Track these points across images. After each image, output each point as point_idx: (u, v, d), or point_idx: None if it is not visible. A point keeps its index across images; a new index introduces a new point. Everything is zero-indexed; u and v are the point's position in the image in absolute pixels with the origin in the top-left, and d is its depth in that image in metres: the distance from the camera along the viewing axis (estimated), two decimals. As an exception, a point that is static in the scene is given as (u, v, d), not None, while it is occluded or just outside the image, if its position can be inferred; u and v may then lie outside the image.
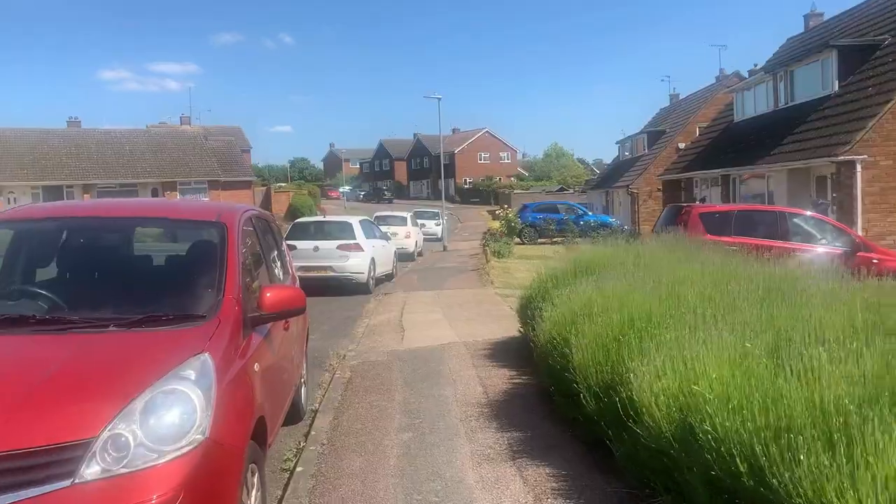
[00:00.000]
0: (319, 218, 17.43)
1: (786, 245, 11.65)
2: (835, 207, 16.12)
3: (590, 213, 34.18)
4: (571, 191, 70.72)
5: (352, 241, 15.81)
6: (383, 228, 25.86)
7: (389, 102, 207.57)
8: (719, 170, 23.36)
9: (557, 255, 23.15)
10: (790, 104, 21.81)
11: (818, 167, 17.97)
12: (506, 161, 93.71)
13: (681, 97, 48.67)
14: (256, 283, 4.57)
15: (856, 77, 18.64)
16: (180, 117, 72.91)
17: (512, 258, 23.74)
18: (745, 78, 37.08)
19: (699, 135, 32.14)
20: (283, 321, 4.74)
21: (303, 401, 6.18)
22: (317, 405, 6.52)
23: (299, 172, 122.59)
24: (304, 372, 6.45)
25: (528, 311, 7.60)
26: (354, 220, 16.63)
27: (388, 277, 18.49)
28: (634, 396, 3.99)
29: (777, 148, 19.58)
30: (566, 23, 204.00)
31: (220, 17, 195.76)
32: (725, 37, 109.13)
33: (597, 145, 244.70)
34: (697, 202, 24.24)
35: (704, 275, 6.18)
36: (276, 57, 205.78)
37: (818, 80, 20.20)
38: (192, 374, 3.10)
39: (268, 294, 4.03)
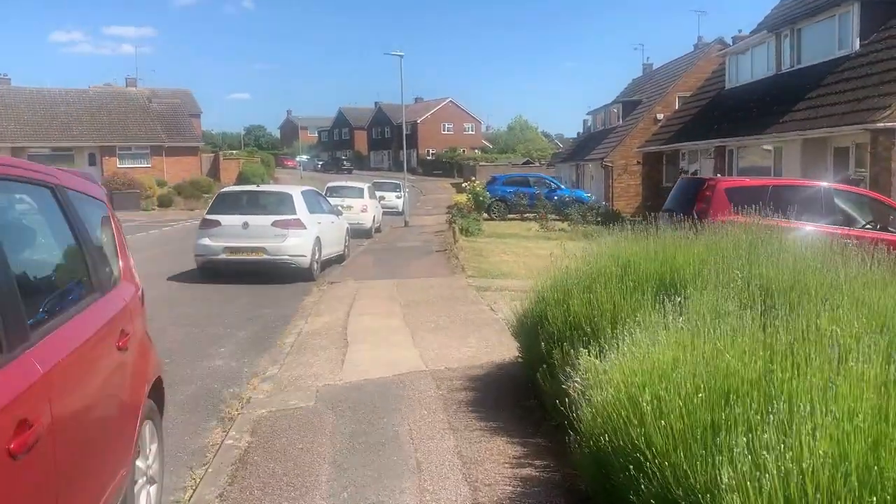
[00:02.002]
0: (251, 187, 14.36)
1: (844, 231, 9.09)
2: (866, 184, 13.69)
3: (563, 188, 31.57)
4: (537, 164, 68.25)
5: (291, 217, 12.83)
6: (336, 201, 22.83)
7: (351, 71, 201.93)
8: (713, 140, 20.85)
9: (534, 233, 20.44)
10: (797, 67, 19.33)
11: (838, 138, 15.52)
12: (470, 133, 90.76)
13: (655, 67, 46.23)
14: None
15: (882, 34, 16.17)
16: (126, 79, 67.50)
17: (482, 236, 21.00)
18: (729, 45, 34.67)
19: (683, 104, 29.67)
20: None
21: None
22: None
23: (255, 140, 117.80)
24: (152, 459, 3.59)
25: (541, 340, 4.86)
26: (295, 191, 13.61)
27: (339, 259, 15.58)
28: None
29: (787, 115, 17.09)
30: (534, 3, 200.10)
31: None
32: (700, 2, 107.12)
33: (559, 120, 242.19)
34: (689, 174, 21.75)
35: None
36: (236, 22, 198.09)
37: (833, 38, 17.70)
38: None
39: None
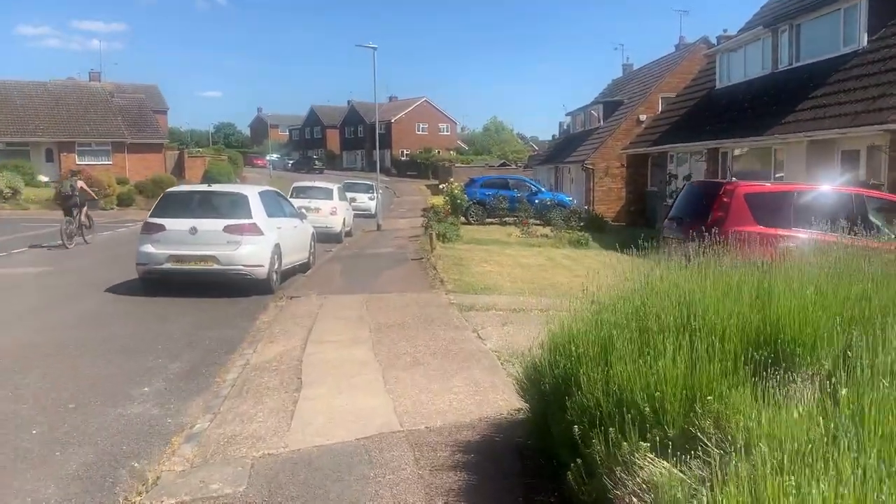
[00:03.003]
0: (200, 187, 12.71)
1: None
2: (885, 188, 12.50)
3: (545, 191, 30.23)
4: (513, 166, 67.10)
5: (245, 221, 11.24)
6: (303, 202, 21.19)
7: (324, 69, 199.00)
8: (706, 142, 19.65)
9: (516, 239, 19.02)
10: (796, 65, 18.19)
11: (848, 140, 14.35)
12: (445, 133, 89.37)
13: (635, 67, 45.24)
14: None
15: (890, 29, 15.05)
16: (89, 73, 64.54)
17: (460, 242, 19.52)
18: (714, 44, 33.71)
19: (669, 104, 28.52)
20: None
21: None
22: None
23: (224, 138, 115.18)
24: None
25: (569, 415, 3.39)
26: (251, 192, 11.99)
27: (303, 268, 14.02)
28: None
29: (790, 115, 15.91)
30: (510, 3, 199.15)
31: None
32: (680, 4, 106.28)
33: (534, 123, 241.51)
34: (681, 180, 20.50)
35: None
36: (208, 19, 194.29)
37: (838, 33, 16.57)
38: None
39: None
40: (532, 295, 10.93)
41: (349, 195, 27.38)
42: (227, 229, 11.08)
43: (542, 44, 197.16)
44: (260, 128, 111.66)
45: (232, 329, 8.73)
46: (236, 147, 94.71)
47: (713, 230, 8.93)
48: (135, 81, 69.90)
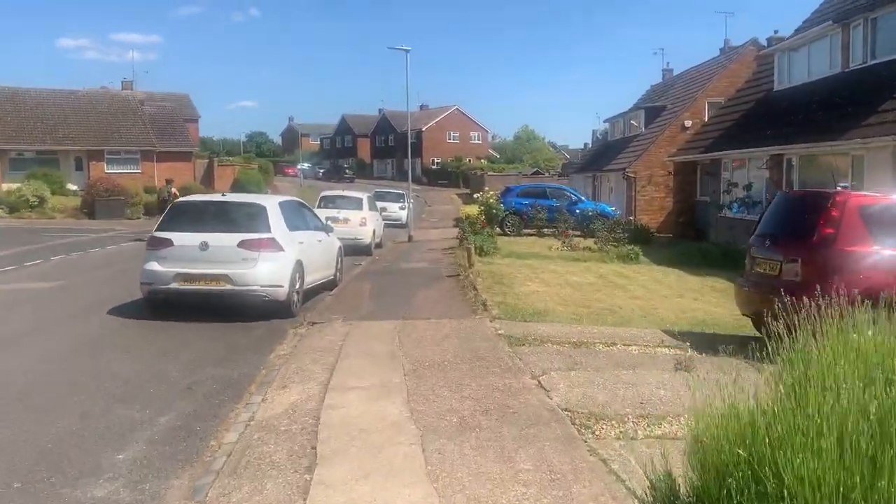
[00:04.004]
0: (214, 197, 11.40)
1: None
2: None
3: (585, 200, 28.63)
4: (546, 174, 65.48)
5: (263, 236, 9.92)
6: (332, 213, 19.96)
7: (356, 79, 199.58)
8: (769, 147, 17.93)
9: (557, 253, 17.51)
10: (872, 62, 16.44)
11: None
12: (476, 142, 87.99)
13: (675, 73, 43.43)
14: None
15: None
16: (122, 82, 64.32)
17: (498, 256, 18.06)
18: (764, 46, 31.88)
19: (720, 109, 26.77)
20: None
21: None
22: None
23: (257, 147, 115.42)
24: None
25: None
26: (270, 202, 10.66)
27: (329, 286, 12.69)
28: None
29: (872, 117, 14.19)
30: (542, 7, 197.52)
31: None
32: (720, 6, 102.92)
33: (563, 131, 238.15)
34: (740, 189, 18.79)
35: None
36: (243, 30, 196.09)
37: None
38: None
39: None
40: (590, 322, 9.44)
41: (379, 204, 26.11)
42: (242, 245, 9.77)
43: (574, 51, 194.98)
44: (291, 137, 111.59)
45: (240, 366, 7.37)
46: (268, 156, 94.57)
47: (820, 250, 7.40)
48: (167, 91, 69.81)
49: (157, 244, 9.97)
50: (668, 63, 63.67)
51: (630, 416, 5.10)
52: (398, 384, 6.09)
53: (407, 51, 24.17)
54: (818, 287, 7.40)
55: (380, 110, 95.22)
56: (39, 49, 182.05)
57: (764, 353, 4.10)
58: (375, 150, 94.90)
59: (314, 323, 9.28)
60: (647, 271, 15.70)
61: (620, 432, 4.81)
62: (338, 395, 5.87)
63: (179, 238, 9.88)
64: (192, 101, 74.06)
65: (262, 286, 9.76)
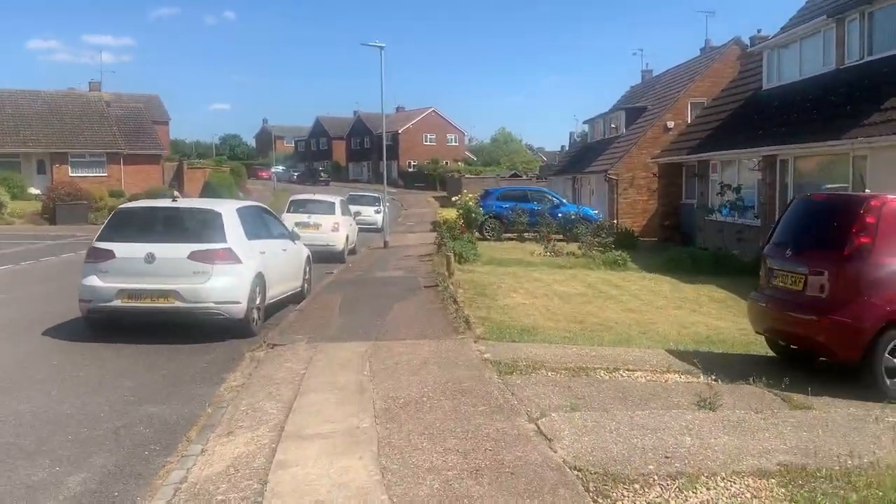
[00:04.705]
0: (162, 202, 10.12)
1: None
2: None
3: (567, 203, 27.75)
4: (524, 177, 64.70)
5: (217, 246, 8.79)
6: (302, 218, 18.87)
7: (330, 81, 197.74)
8: (761, 148, 17.13)
9: (540, 259, 16.55)
10: (869, 58, 15.71)
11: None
12: (453, 144, 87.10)
13: (655, 73, 42.84)
14: None
15: None
16: (89, 83, 62.24)
17: (479, 263, 17.06)
18: (747, 46, 31.27)
19: (706, 109, 26.06)
20: None
21: None
22: None
23: (230, 150, 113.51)
24: None
25: None
26: (226, 208, 9.51)
27: (295, 298, 11.58)
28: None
29: (875, 115, 13.41)
30: (521, 14, 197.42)
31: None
32: (699, 6, 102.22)
33: (540, 134, 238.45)
34: (732, 191, 17.94)
35: None
36: (217, 33, 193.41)
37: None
38: None
39: None
40: (585, 341, 8.45)
41: (354, 208, 25.01)
42: (193, 256, 8.64)
43: (550, 54, 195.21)
44: (265, 139, 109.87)
45: (183, 402, 6.26)
46: (241, 159, 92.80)
47: (853, 262, 6.46)
48: (137, 92, 67.85)
49: (96, 256, 8.79)
50: (647, 64, 63.19)
51: (655, 477, 4.09)
52: (367, 430, 5.02)
53: (381, 47, 23.10)
54: (849, 303, 6.57)
55: (355, 112, 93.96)
56: (9, 50, 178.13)
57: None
58: (351, 153, 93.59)
59: (274, 345, 8.17)
60: (638, 279, 14.78)
61: (647, 503, 3.78)
62: (293, 446, 4.79)
63: (122, 249, 8.72)
64: (161, 103, 72.22)
65: (216, 303, 8.64)
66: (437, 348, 7.63)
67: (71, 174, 42.36)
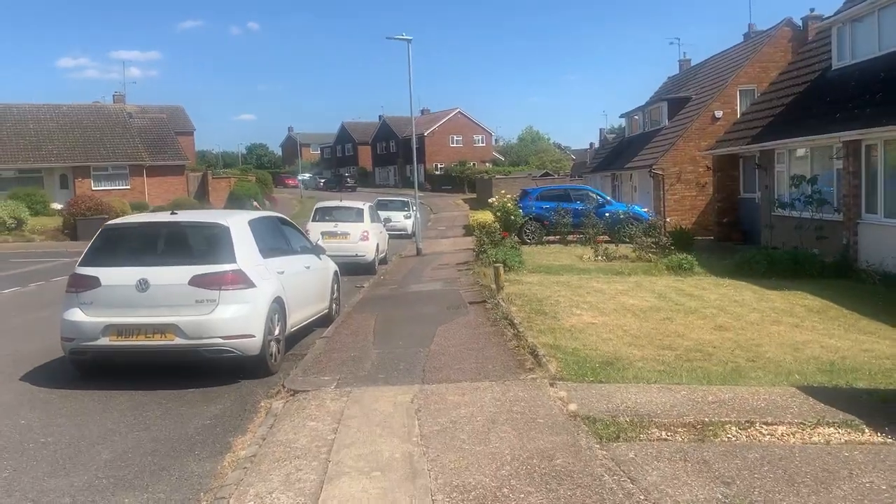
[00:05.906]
0: (159, 217, 8.47)
1: None
2: None
3: (615, 202, 25.84)
4: (556, 175, 62.59)
5: (225, 268, 7.16)
6: (328, 227, 17.29)
7: (355, 87, 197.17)
8: (842, 133, 15.10)
9: (593, 264, 14.69)
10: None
11: None
12: (480, 145, 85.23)
13: (693, 64, 40.67)
14: None
15: None
16: (113, 95, 61.62)
17: (525, 271, 15.27)
18: (800, 27, 29.08)
19: (762, 95, 23.92)
20: None
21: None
22: None
23: (257, 159, 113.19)
24: None
25: None
26: (236, 221, 7.83)
27: (323, 321, 9.95)
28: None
29: None
30: (545, 19, 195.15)
31: (185, 3, 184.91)
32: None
33: (567, 132, 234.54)
34: (806, 184, 15.90)
35: None
36: (241, 44, 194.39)
37: None
38: None
39: None
40: (687, 375, 6.64)
41: (383, 214, 23.40)
42: (195, 282, 7.02)
43: (577, 52, 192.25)
44: (291, 147, 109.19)
45: (171, 487, 4.61)
46: (268, 167, 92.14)
47: None
48: (161, 104, 67.22)
49: (79, 284, 7.21)
50: (684, 53, 60.71)
51: None
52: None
53: (408, 40, 21.46)
54: None
55: (380, 117, 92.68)
56: (39, 70, 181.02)
57: None
58: (377, 158, 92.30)
59: (295, 392, 6.49)
60: (713, 287, 12.86)
61: None
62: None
63: (109, 275, 7.13)
64: (186, 114, 71.51)
65: (224, 338, 7.00)
66: (503, 396, 5.89)
67: (94, 188, 41.56)
